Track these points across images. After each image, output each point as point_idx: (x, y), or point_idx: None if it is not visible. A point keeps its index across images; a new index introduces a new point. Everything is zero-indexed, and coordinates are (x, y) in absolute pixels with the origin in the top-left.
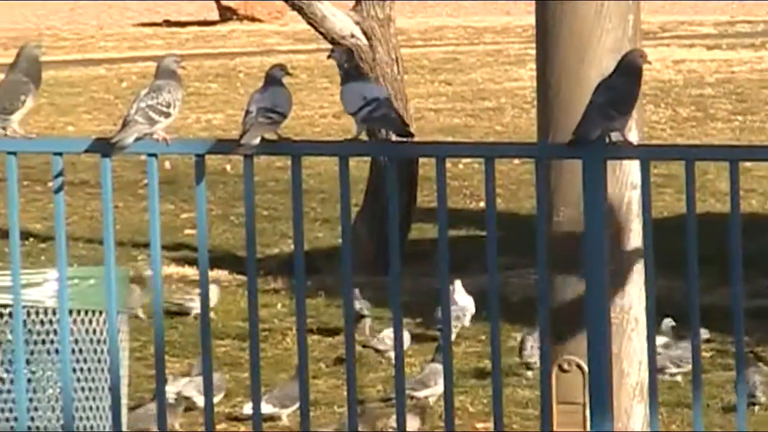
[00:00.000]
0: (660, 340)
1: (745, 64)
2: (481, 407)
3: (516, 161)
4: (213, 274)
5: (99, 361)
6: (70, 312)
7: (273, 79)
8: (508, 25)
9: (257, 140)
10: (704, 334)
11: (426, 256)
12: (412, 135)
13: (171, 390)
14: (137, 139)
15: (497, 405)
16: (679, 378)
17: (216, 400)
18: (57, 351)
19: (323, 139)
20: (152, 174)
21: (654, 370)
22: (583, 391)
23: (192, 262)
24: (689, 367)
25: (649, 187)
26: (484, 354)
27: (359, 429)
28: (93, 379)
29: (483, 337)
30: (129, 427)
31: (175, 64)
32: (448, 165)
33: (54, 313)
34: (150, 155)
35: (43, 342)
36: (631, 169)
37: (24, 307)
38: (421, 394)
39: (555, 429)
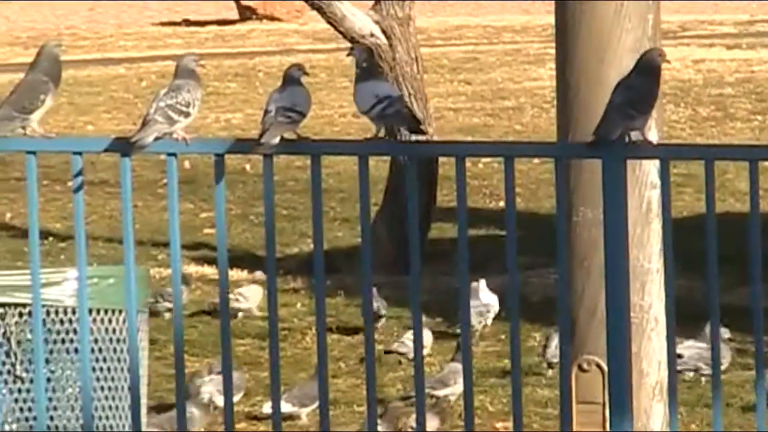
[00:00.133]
0: (701, 344)
1: (765, 63)
2: (501, 406)
3: (536, 161)
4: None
5: (118, 360)
6: (90, 311)
7: (291, 78)
8: (527, 25)
9: (277, 139)
10: (725, 333)
11: (446, 255)
12: (424, 132)
13: (206, 390)
14: (157, 139)
15: (517, 404)
16: (703, 379)
17: (236, 399)
18: (76, 350)
19: (343, 138)
20: (172, 173)
21: (674, 369)
22: (602, 390)
23: (211, 262)
24: (723, 367)
25: (668, 186)
26: (504, 353)
27: (381, 428)
28: (112, 379)
29: (503, 337)
30: (162, 428)
31: (194, 63)
32: (468, 164)
33: (73, 312)
34: (169, 154)
35: (63, 341)
36: (651, 168)
37: (43, 306)
38: (440, 393)
39: (574, 428)
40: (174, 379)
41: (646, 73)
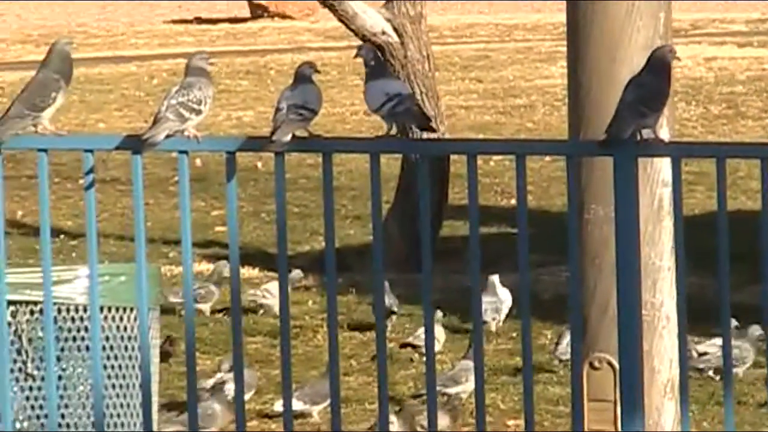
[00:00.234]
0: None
1: None
2: (512, 404)
3: (547, 158)
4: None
5: (130, 358)
6: (101, 309)
7: (303, 76)
8: (538, 23)
9: (288, 137)
10: (756, 331)
11: (457, 253)
12: (434, 129)
13: (229, 387)
14: (168, 136)
15: (528, 402)
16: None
17: (247, 397)
18: (88, 348)
19: (354, 136)
20: (183, 171)
21: (685, 367)
22: (614, 388)
23: (223, 259)
24: (745, 366)
25: (680, 184)
26: (515, 351)
27: (397, 426)
28: (124, 376)
29: (514, 335)
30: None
31: (205, 61)
32: (480, 162)
33: (85, 310)
34: (181, 152)
35: (74, 339)
36: (662, 166)
37: (55, 303)
38: (452, 390)
39: (586, 426)
40: (186, 377)
41: (658, 70)
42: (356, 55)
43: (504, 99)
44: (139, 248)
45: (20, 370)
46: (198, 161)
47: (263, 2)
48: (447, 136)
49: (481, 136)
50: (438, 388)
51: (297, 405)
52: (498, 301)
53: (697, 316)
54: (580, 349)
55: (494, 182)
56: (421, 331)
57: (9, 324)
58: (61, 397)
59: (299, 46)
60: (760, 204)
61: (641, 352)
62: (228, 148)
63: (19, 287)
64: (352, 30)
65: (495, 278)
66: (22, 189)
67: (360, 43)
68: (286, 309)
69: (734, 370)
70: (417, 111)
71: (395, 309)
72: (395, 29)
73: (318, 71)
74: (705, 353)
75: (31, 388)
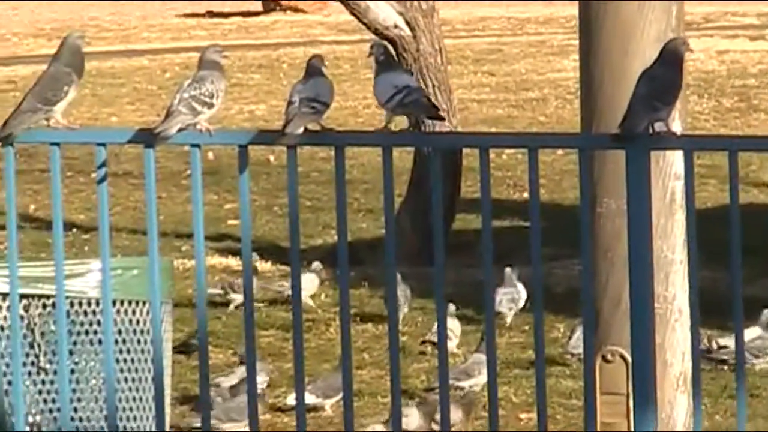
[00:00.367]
0: (754, 331)
1: None
2: (525, 398)
3: (559, 152)
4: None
5: (142, 351)
6: (114, 302)
7: (315, 69)
8: (551, 16)
9: (301, 130)
10: None
11: (470, 246)
12: (442, 118)
13: (260, 380)
14: (180, 130)
15: (541, 396)
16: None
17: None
18: (100, 341)
19: (366, 129)
20: (195, 164)
21: (698, 360)
22: (626, 381)
23: (235, 253)
24: None
25: (692, 177)
26: (528, 345)
27: (417, 419)
28: (136, 370)
29: (526, 328)
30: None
31: (218, 54)
32: (492, 155)
33: (97, 303)
34: (193, 146)
35: (87, 333)
36: (675, 159)
37: (67, 297)
38: (465, 384)
39: (598, 419)
40: (198, 370)
41: (670, 62)
42: (369, 55)
43: (516, 92)
44: (152, 242)
45: (33, 363)
46: (210, 155)
47: None
48: (459, 129)
49: (493, 130)
50: (450, 382)
51: (309, 398)
52: (514, 291)
53: (710, 309)
54: (592, 343)
55: (507, 175)
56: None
57: (22, 318)
58: (74, 390)
59: (311, 40)
60: None
61: (654, 345)
62: (240, 142)
63: (32, 281)
64: (364, 23)
65: (509, 270)
66: (34, 183)
67: (372, 36)
68: (298, 302)
69: (757, 361)
70: (425, 102)
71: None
72: (407, 23)
73: (325, 65)
74: (725, 346)
75: (43, 382)
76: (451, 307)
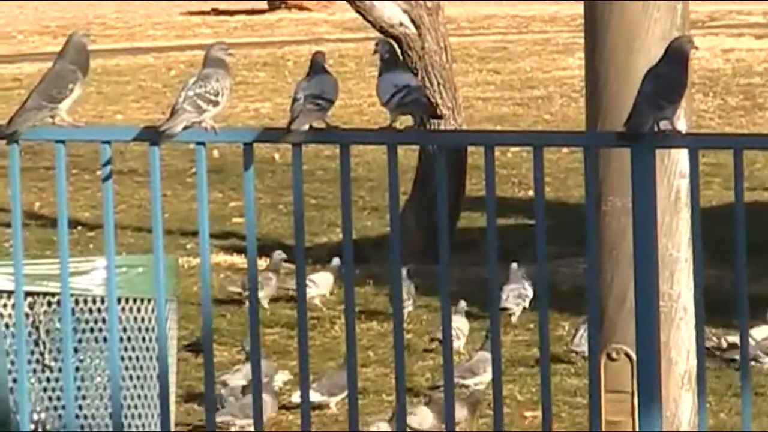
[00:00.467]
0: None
1: None
2: (530, 396)
3: (564, 150)
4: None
5: (147, 349)
6: (119, 300)
7: (318, 66)
8: (556, 14)
9: (306, 127)
10: None
11: (475, 244)
12: (441, 117)
13: (279, 378)
14: (185, 128)
15: (545, 393)
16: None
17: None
18: (105, 339)
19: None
20: (200, 162)
21: (702, 358)
22: (631, 379)
23: (240, 251)
24: None
25: (697, 176)
26: (533, 342)
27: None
28: (141, 368)
29: (531, 326)
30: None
31: (223, 52)
32: (497, 153)
33: (102, 301)
34: (198, 144)
35: (92, 330)
36: (680, 158)
37: (72, 295)
38: (469, 382)
39: (603, 417)
40: (203, 368)
41: (676, 61)
42: (375, 52)
43: (521, 90)
44: (157, 239)
45: (38, 361)
46: (215, 153)
47: None
48: (464, 127)
49: (498, 128)
50: (455, 380)
51: (314, 396)
52: (521, 287)
53: (715, 307)
54: (597, 341)
55: (512, 174)
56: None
57: (27, 315)
58: (79, 388)
59: (317, 38)
60: None
61: (658, 343)
62: (245, 140)
63: (37, 279)
64: (369, 21)
65: (515, 266)
66: (39, 180)
67: (377, 34)
68: (303, 300)
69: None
70: (425, 101)
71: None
72: (413, 21)
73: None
74: (735, 344)
75: (48, 380)
76: (462, 304)
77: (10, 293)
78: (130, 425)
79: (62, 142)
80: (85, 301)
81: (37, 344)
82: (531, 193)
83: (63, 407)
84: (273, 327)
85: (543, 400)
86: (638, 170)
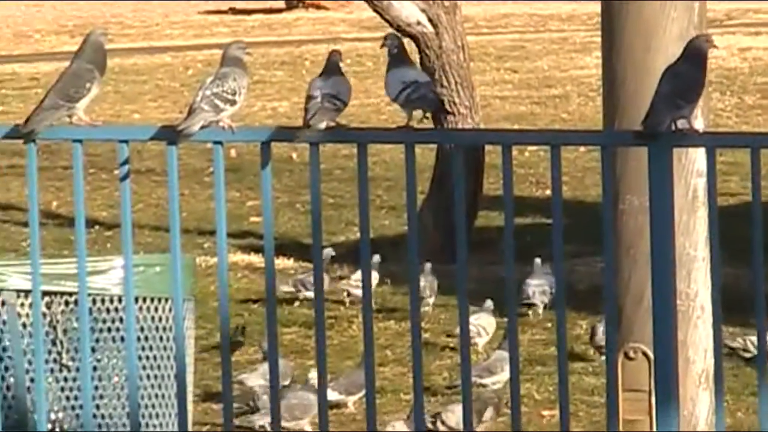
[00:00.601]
0: None
1: None
2: (547, 394)
3: (582, 149)
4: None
5: (165, 348)
6: (136, 299)
7: (334, 65)
8: (573, 13)
9: (323, 124)
10: None
11: (492, 243)
12: (449, 112)
13: (312, 376)
14: (203, 127)
15: (563, 392)
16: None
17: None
18: (122, 339)
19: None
20: (218, 162)
21: (720, 357)
22: (649, 378)
23: (258, 250)
24: None
25: (714, 174)
26: (550, 341)
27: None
28: (158, 367)
29: (549, 325)
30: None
31: (241, 50)
32: (514, 152)
33: (120, 300)
34: (215, 143)
35: (109, 330)
36: (697, 156)
37: (89, 294)
38: (487, 381)
39: (621, 416)
40: (220, 368)
41: (693, 60)
42: (382, 46)
43: (539, 89)
44: (174, 239)
45: (55, 361)
46: (233, 152)
47: None
48: (482, 126)
49: (516, 127)
50: (473, 379)
51: (332, 395)
52: (546, 283)
53: (732, 306)
54: (615, 340)
55: (529, 173)
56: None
57: (44, 315)
58: (96, 388)
59: (334, 37)
60: None
61: (676, 342)
62: (263, 139)
63: (54, 278)
64: (386, 20)
65: (539, 261)
66: (57, 180)
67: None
68: (320, 299)
69: None
70: (433, 97)
71: (427, 293)
72: (430, 19)
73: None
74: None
75: (66, 379)
76: (488, 303)
77: (27, 293)
78: (147, 425)
79: (79, 141)
80: (103, 301)
81: (54, 344)
82: (548, 192)
83: (80, 407)
84: (291, 326)
85: (560, 399)
86: (656, 169)
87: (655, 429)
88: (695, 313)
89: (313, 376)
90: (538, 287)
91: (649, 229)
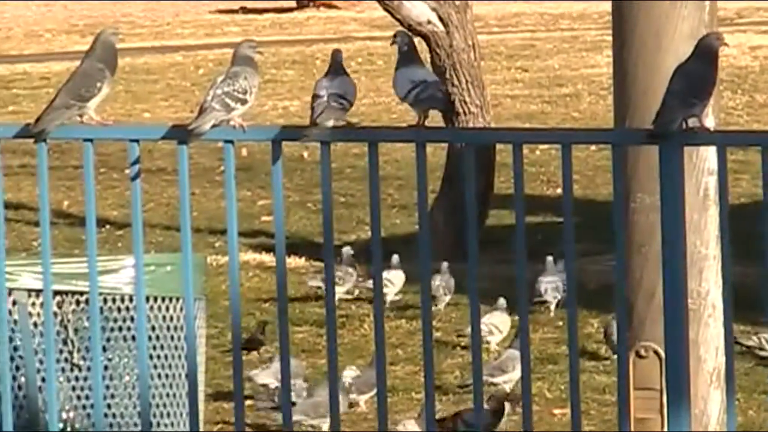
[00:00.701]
0: None
1: None
2: (559, 393)
3: (593, 147)
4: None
5: (176, 348)
6: (147, 299)
7: (338, 65)
8: (584, 12)
9: (331, 122)
10: None
11: (503, 242)
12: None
13: (348, 375)
14: (214, 126)
15: (574, 391)
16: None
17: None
18: (133, 338)
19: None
20: (229, 161)
21: (731, 355)
22: (660, 377)
23: (269, 249)
24: None
25: (725, 173)
26: (562, 340)
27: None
28: (170, 366)
29: (560, 323)
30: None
31: (252, 49)
32: (525, 151)
33: (130, 299)
34: (226, 142)
35: (120, 329)
36: (708, 155)
37: (101, 294)
38: (498, 379)
39: (632, 415)
40: (231, 367)
41: (705, 58)
42: (392, 43)
43: (550, 88)
44: (185, 238)
45: (66, 360)
46: (244, 151)
47: None
48: (493, 125)
49: (526, 126)
50: (484, 377)
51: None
52: (558, 279)
53: (743, 304)
54: (626, 338)
55: (540, 171)
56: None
57: (55, 314)
58: (107, 387)
59: (345, 36)
60: None
61: (687, 340)
62: (274, 138)
63: (65, 277)
64: (397, 19)
65: (551, 259)
66: (67, 179)
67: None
68: (331, 298)
69: None
70: (441, 97)
71: (441, 292)
72: (441, 18)
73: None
74: None
75: (77, 379)
76: (501, 301)
77: (38, 292)
78: (158, 424)
79: (90, 140)
80: (114, 300)
81: (65, 343)
82: (559, 190)
83: (91, 406)
84: (302, 325)
85: (572, 398)
86: (667, 167)
87: (666, 428)
88: (706, 312)
89: (346, 374)
90: (550, 284)
91: (660, 227)
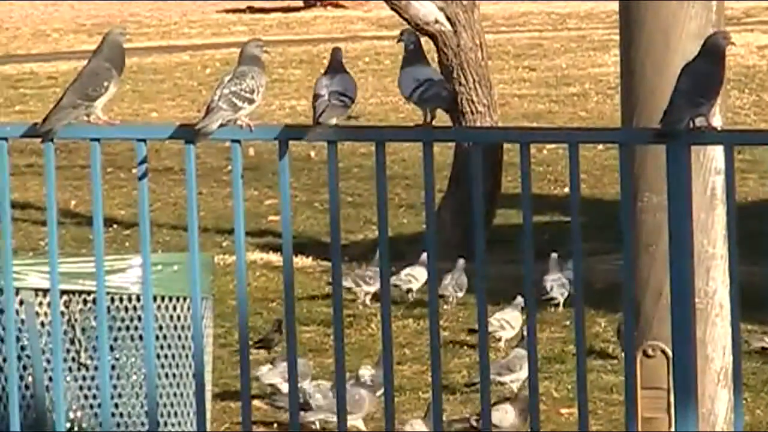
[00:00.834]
0: None
1: None
2: (566, 392)
3: (600, 147)
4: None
5: (183, 347)
6: (154, 298)
7: (338, 63)
8: (592, 11)
9: (334, 120)
10: None
11: (511, 241)
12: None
13: (365, 373)
14: (221, 126)
15: (582, 390)
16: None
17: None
18: (141, 337)
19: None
20: (236, 160)
21: (738, 355)
22: (667, 376)
23: (276, 249)
24: None
25: (733, 172)
26: (569, 339)
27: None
28: (177, 366)
29: (567, 323)
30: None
31: (259, 49)
32: (533, 151)
33: (138, 299)
34: (234, 141)
35: (127, 328)
36: (715, 154)
37: (108, 293)
38: (506, 379)
39: (639, 414)
40: (239, 366)
41: (712, 57)
42: (398, 41)
43: (557, 87)
44: (192, 237)
45: (73, 359)
46: (251, 150)
47: None
48: (500, 124)
49: (534, 125)
50: (492, 377)
51: None
52: (563, 276)
53: (751, 303)
54: (633, 337)
55: (547, 171)
56: (493, 318)
57: (62, 314)
58: (114, 386)
59: (352, 35)
60: None
61: (695, 339)
62: (281, 137)
63: (73, 277)
64: (405, 19)
65: (554, 256)
66: (75, 179)
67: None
68: (339, 297)
69: None
70: (446, 95)
71: (449, 291)
72: (448, 18)
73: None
74: None
75: (84, 378)
76: (518, 300)
77: (45, 291)
78: (165, 423)
79: (97, 140)
80: (121, 299)
81: (72, 342)
82: (567, 189)
83: (99, 405)
84: (309, 325)
85: (579, 397)
86: (674, 167)
87: (673, 427)
88: (714, 311)
89: (363, 372)
90: (556, 281)
91: (668, 226)
